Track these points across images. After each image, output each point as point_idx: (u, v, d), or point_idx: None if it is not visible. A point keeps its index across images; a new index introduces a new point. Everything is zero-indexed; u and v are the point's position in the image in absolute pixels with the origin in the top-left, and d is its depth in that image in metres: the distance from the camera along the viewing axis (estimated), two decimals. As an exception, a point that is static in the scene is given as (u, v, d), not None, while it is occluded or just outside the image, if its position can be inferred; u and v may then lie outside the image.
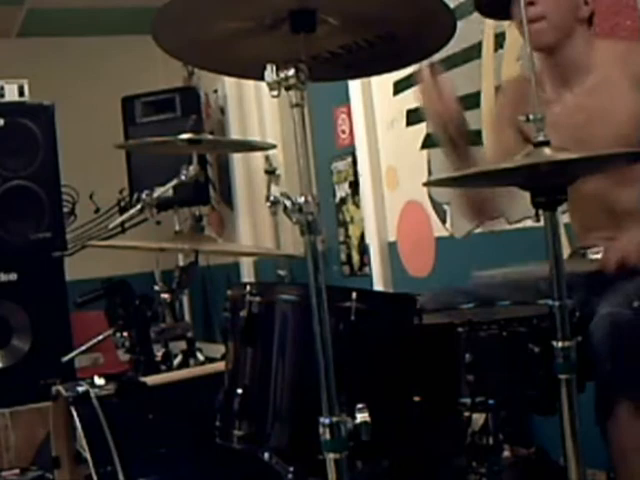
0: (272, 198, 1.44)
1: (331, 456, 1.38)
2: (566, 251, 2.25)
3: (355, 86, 3.92)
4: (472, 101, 3.19)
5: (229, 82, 5.29)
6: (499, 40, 3.01)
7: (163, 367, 3.01)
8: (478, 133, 3.17)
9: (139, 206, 2.86)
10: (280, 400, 1.67)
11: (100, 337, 3.11)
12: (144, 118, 5.17)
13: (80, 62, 5.86)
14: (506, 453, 1.91)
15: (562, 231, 1.74)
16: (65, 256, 4.21)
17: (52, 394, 2.13)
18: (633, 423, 1.76)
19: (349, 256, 4.24)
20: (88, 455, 1.96)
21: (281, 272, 4.21)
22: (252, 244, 5.15)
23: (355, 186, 4.12)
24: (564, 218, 2.32)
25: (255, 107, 5.06)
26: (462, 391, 1.71)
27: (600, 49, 2.10)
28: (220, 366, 1.87)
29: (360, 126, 3.95)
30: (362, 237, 4.10)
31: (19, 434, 3.66)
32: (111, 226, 3.74)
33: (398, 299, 1.93)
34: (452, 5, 3.11)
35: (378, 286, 3.85)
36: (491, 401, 1.72)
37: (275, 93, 1.42)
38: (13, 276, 4.06)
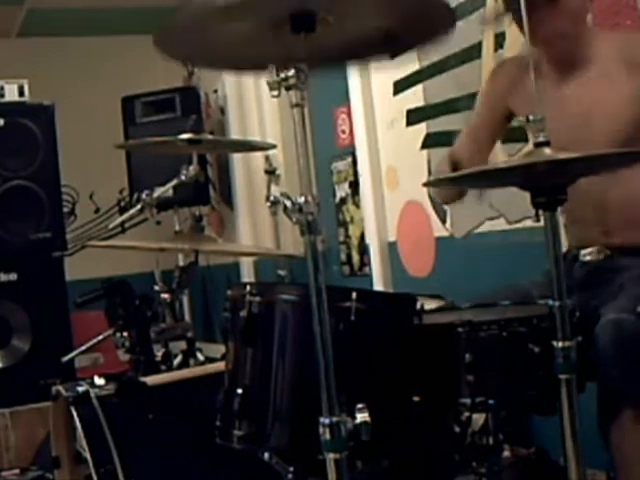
0: (272, 198, 1.44)
1: (331, 456, 1.38)
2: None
3: (355, 86, 3.92)
4: (472, 101, 3.19)
5: (229, 82, 5.29)
6: (499, 40, 3.01)
7: (163, 367, 3.00)
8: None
9: (139, 206, 2.86)
10: (280, 400, 1.67)
11: (100, 337, 3.11)
12: (144, 118, 5.17)
13: (80, 62, 5.86)
14: (506, 453, 1.91)
15: (562, 231, 1.74)
16: (65, 256, 4.21)
17: (52, 394, 2.13)
18: (637, 429, 1.76)
19: (349, 256, 4.25)
20: (88, 455, 1.96)
21: (281, 272, 4.21)
22: (252, 244, 5.15)
23: (355, 186, 4.12)
24: (564, 218, 2.32)
25: (255, 107, 5.06)
26: (462, 391, 1.71)
27: (599, 40, 2.10)
28: (220, 366, 1.88)
29: (360, 126, 3.95)
30: (362, 237, 4.10)
31: (19, 434, 3.66)
32: (111, 226, 3.74)
33: (398, 299, 1.93)
34: (452, 5, 3.11)
35: (378, 286, 3.85)
36: (491, 401, 1.72)
37: (275, 93, 1.42)
38: (13, 276, 4.06)
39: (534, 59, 1.98)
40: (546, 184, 1.55)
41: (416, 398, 1.72)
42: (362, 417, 1.44)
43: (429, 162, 3.52)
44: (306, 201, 1.39)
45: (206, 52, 1.55)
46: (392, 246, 3.86)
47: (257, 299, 1.69)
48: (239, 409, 1.67)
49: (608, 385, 1.79)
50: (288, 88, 1.41)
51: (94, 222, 5.44)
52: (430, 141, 3.52)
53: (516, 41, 2.91)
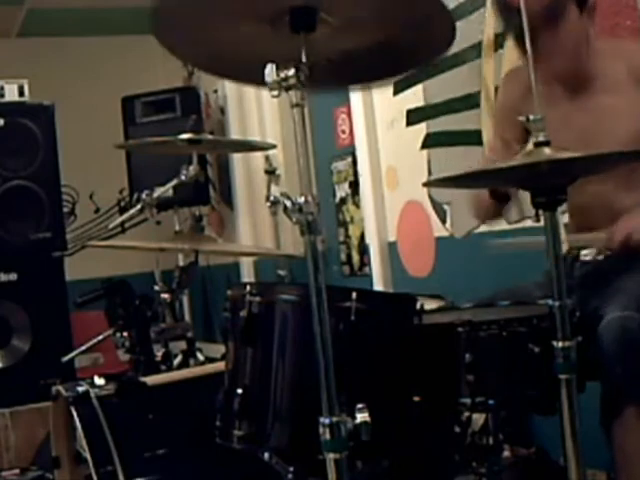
0: (272, 198, 1.44)
1: (331, 456, 1.38)
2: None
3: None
4: (472, 101, 3.20)
5: (229, 82, 5.28)
6: (499, 40, 3.01)
7: (163, 367, 3.00)
8: (478, 133, 3.18)
9: (139, 206, 2.85)
10: (280, 400, 1.67)
11: (100, 337, 3.11)
12: (144, 118, 5.17)
13: (80, 62, 5.86)
14: (506, 453, 1.91)
15: (562, 231, 1.74)
16: (65, 256, 4.21)
17: (52, 394, 2.13)
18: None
19: (349, 256, 4.25)
20: (88, 455, 1.96)
21: (281, 272, 4.21)
22: (252, 244, 5.15)
23: (355, 186, 4.12)
24: (564, 218, 2.32)
25: (255, 107, 5.06)
26: (462, 391, 1.71)
27: (604, 54, 2.10)
28: (220, 366, 1.87)
29: (360, 126, 3.95)
30: (362, 237, 4.10)
31: (19, 434, 3.66)
32: (111, 226, 3.74)
33: (398, 299, 1.93)
34: (452, 5, 3.11)
35: (378, 286, 3.85)
36: (491, 401, 1.72)
37: (275, 93, 1.42)
38: (13, 276, 4.06)
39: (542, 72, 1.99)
40: (546, 184, 1.55)
41: (416, 398, 1.72)
42: (362, 417, 1.44)
43: (429, 162, 3.53)
44: (306, 201, 1.39)
45: (206, 52, 1.54)
46: (392, 246, 3.86)
47: (257, 299, 1.69)
48: (239, 409, 1.67)
49: (612, 383, 1.79)
50: (288, 88, 1.41)
51: (94, 222, 5.44)
52: (430, 141, 3.52)
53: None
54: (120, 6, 5.56)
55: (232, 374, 1.76)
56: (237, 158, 5.29)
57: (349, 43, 1.50)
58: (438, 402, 1.75)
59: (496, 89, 3.05)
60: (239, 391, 1.68)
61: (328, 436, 1.38)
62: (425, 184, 3.41)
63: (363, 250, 4.10)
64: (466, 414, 1.86)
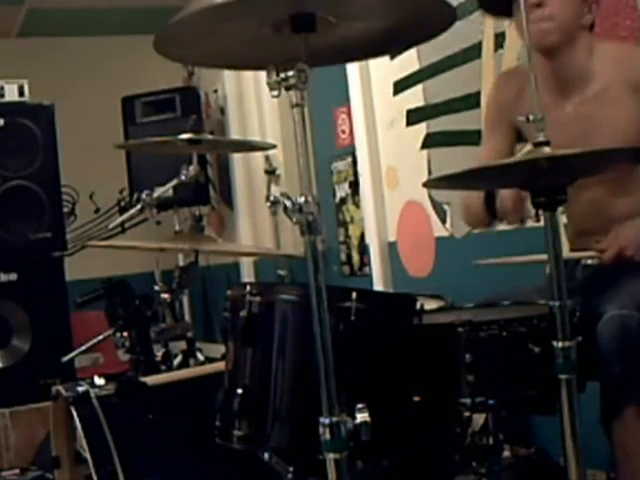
0: (272, 198, 1.44)
1: (331, 456, 1.38)
2: (566, 251, 2.25)
3: (355, 86, 3.92)
4: (472, 101, 3.20)
5: (229, 82, 5.29)
6: (499, 40, 3.01)
7: (163, 367, 3.00)
8: (478, 133, 3.18)
9: (139, 206, 2.85)
10: (280, 400, 1.67)
11: (100, 337, 3.11)
12: (144, 118, 5.17)
13: (80, 62, 5.86)
14: (506, 453, 1.91)
15: (562, 231, 1.74)
16: (65, 256, 4.21)
17: (52, 394, 2.13)
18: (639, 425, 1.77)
19: (349, 256, 4.25)
20: (88, 455, 1.96)
21: (281, 272, 4.21)
22: (252, 244, 5.15)
23: (355, 186, 4.12)
24: (564, 218, 2.32)
25: (255, 107, 5.06)
26: (462, 391, 1.71)
27: (599, 55, 2.10)
28: (220, 366, 1.87)
29: (360, 126, 3.95)
30: (362, 237, 4.10)
31: (19, 434, 3.66)
32: (111, 226, 3.74)
33: (398, 299, 1.93)
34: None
35: (378, 286, 3.85)
36: (491, 401, 1.72)
37: (275, 93, 1.42)
38: (13, 276, 4.06)
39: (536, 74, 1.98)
40: (546, 184, 1.55)
41: (416, 398, 1.72)
42: (362, 417, 1.44)
43: (429, 162, 3.53)
44: (306, 201, 1.39)
45: (206, 52, 1.55)
46: (392, 246, 3.86)
47: (257, 299, 1.69)
48: (239, 409, 1.67)
49: (611, 381, 1.79)
50: (288, 88, 1.41)
51: (94, 222, 5.45)
52: (430, 141, 3.52)
53: (516, 41, 2.91)
54: (120, 6, 5.56)
55: (232, 374, 1.76)
56: (237, 158, 5.29)
57: (349, 32, 1.50)
58: (438, 402, 1.75)
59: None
60: (239, 391, 1.68)
61: (328, 436, 1.38)
62: (425, 184, 3.40)
63: (363, 250, 4.10)
64: (466, 414, 1.86)
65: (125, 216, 3.21)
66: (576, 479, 1.53)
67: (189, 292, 5.35)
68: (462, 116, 3.28)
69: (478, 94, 3.16)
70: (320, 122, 4.25)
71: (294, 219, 1.40)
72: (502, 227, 3.05)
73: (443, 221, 3.49)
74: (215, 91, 5.55)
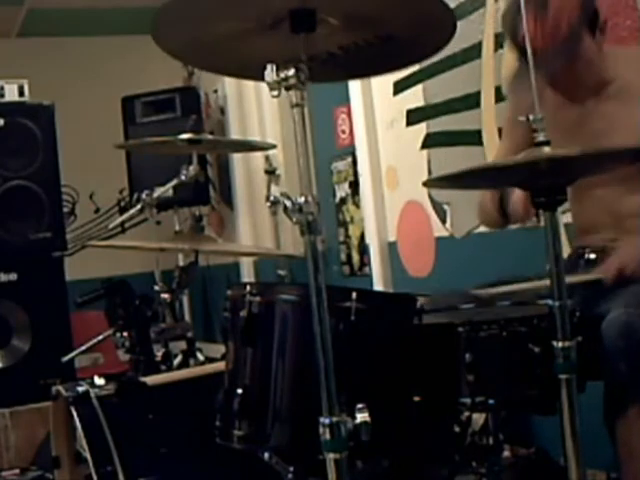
0: (272, 198, 1.44)
1: (331, 456, 1.38)
2: (566, 250, 2.25)
3: (355, 86, 3.92)
4: (472, 101, 3.20)
5: (229, 82, 5.29)
6: (499, 40, 3.01)
7: (163, 367, 3.00)
8: (478, 133, 3.18)
9: (139, 206, 2.85)
10: (280, 400, 1.67)
11: (100, 337, 3.11)
12: (144, 118, 5.17)
13: (80, 62, 5.86)
14: (506, 453, 1.91)
15: (562, 231, 1.74)
16: (65, 256, 4.21)
17: (52, 394, 2.13)
18: None
19: (349, 256, 4.24)
20: (88, 455, 1.96)
21: (281, 272, 4.21)
22: (252, 244, 5.15)
23: (355, 186, 4.12)
24: (564, 218, 2.32)
25: (255, 107, 5.06)
26: (462, 391, 1.71)
27: (612, 58, 2.10)
28: (220, 366, 1.87)
29: (360, 126, 3.95)
30: (362, 237, 4.10)
31: (19, 434, 3.66)
32: (111, 226, 3.74)
33: (398, 299, 1.93)
34: (452, 5, 3.10)
35: (378, 286, 3.85)
36: (491, 401, 1.72)
37: (275, 93, 1.42)
38: (13, 276, 4.06)
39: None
40: (546, 184, 1.55)
41: (416, 398, 1.72)
42: (362, 417, 1.44)
43: (429, 162, 3.53)
44: (306, 201, 1.39)
45: (205, 51, 1.55)
46: (392, 246, 3.86)
47: (257, 299, 1.69)
48: (239, 409, 1.67)
49: (615, 379, 1.79)
50: (288, 88, 1.41)
51: (94, 222, 5.44)
52: (430, 141, 3.52)
53: (516, 41, 2.91)
54: (120, 6, 5.57)
55: (232, 374, 1.76)
56: (237, 158, 5.29)
57: (349, 39, 1.50)
58: (438, 402, 1.75)
59: (496, 89, 3.05)
60: (239, 391, 1.68)
61: (328, 436, 1.38)
62: (425, 184, 3.40)
63: (363, 250, 4.10)
64: (466, 414, 1.86)
65: (125, 216, 3.21)
66: (576, 479, 1.53)
67: (189, 292, 5.35)
68: (462, 116, 3.28)
69: (478, 94, 3.16)
70: (320, 122, 4.25)
71: (294, 219, 1.40)
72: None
73: (443, 221, 3.49)
74: (215, 91, 5.55)
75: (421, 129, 3.55)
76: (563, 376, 1.53)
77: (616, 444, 1.83)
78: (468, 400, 1.71)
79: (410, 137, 3.62)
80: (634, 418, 1.78)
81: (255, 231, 5.18)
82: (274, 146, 3.30)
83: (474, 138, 3.19)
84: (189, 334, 3.81)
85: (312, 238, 1.40)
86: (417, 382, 1.72)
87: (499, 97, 3.04)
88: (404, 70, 1.79)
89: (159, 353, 3.06)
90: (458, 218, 3.39)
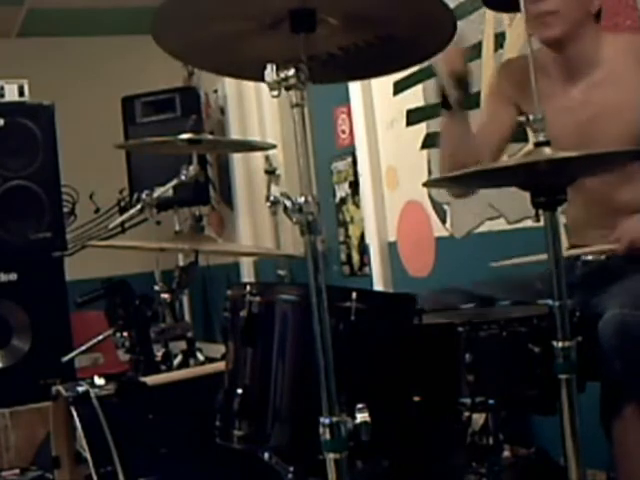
0: (272, 198, 1.44)
1: (331, 456, 1.38)
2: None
3: (355, 86, 3.91)
4: (472, 101, 3.19)
5: (229, 82, 5.30)
6: (499, 40, 3.01)
7: (163, 367, 3.01)
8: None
9: (139, 206, 2.86)
10: (280, 400, 1.67)
11: (100, 337, 3.11)
12: (144, 118, 5.17)
13: (80, 62, 5.86)
14: (506, 453, 1.91)
15: (562, 231, 1.74)
16: (65, 256, 4.21)
17: (52, 394, 2.13)
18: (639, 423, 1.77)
19: (349, 256, 4.24)
20: (88, 455, 1.96)
21: (281, 272, 4.21)
22: (252, 244, 5.15)
23: (355, 186, 4.12)
24: (564, 218, 2.32)
25: (255, 107, 5.06)
26: (462, 391, 1.71)
27: (607, 43, 2.10)
28: (220, 366, 1.87)
29: (360, 126, 3.95)
30: (362, 237, 4.10)
31: (19, 434, 3.66)
32: (111, 226, 3.74)
33: (398, 299, 1.93)
34: (452, 5, 3.11)
35: (378, 286, 3.85)
36: (491, 401, 1.72)
37: (275, 93, 1.42)
38: (13, 276, 4.06)
39: (542, 60, 1.98)
40: (546, 184, 1.55)
41: (416, 398, 1.72)
42: (362, 417, 1.44)
43: (429, 162, 3.52)
44: (306, 201, 1.39)
45: (205, 51, 1.55)
46: (392, 246, 3.86)
47: (257, 299, 1.69)
48: (239, 409, 1.67)
49: (611, 379, 1.79)
50: (288, 88, 1.41)
51: (94, 222, 5.45)
52: (430, 141, 3.52)
53: (516, 41, 2.91)
54: (120, 6, 5.57)
55: (232, 374, 1.76)
56: (237, 158, 5.29)
57: (349, 39, 1.50)
58: (438, 402, 1.75)
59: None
60: (239, 391, 1.68)
61: (328, 436, 1.38)
62: (425, 184, 3.40)
63: (363, 250, 4.10)
64: (466, 414, 1.86)
65: (125, 216, 3.21)
66: (576, 479, 1.53)
67: (189, 292, 5.36)
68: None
69: (478, 94, 3.16)
70: (320, 122, 4.25)
71: (294, 219, 1.40)
72: (502, 227, 3.06)
73: (443, 221, 3.49)
74: (215, 91, 5.55)
75: (421, 129, 3.55)
76: (563, 376, 1.53)
77: (612, 444, 1.83)
78: (468, 400, 1.71)
79: (410, 137, 3.62)
80: (630, 417, 1.78)
81: (255, 231, 5.18)
82: (274, 146, 3.29)
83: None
84: (189, 334, 3.82)
85: (312, 238, 1.40)
86: (417, 382, 1.72)
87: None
88: (404, 71, 1.78)
89: (159, 353, 3.06)
90: (458, 218, 3.39)
